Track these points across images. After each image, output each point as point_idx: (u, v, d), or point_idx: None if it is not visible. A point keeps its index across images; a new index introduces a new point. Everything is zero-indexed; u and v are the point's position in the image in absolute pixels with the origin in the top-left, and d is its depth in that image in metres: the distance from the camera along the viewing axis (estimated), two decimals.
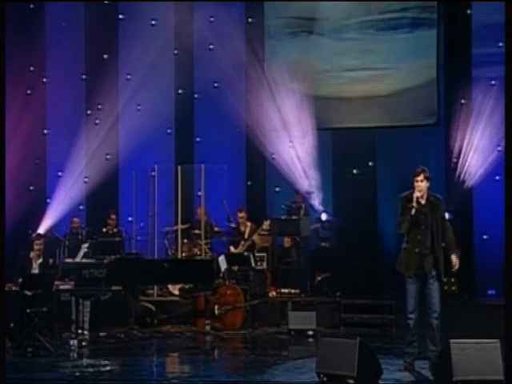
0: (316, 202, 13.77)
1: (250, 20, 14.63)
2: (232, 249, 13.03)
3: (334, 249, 13.49)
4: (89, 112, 14.91)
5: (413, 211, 8.06)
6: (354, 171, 14.01)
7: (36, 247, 11.38)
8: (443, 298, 12.35)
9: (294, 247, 13.20)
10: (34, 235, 11.87)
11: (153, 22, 14.68)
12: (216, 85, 14.50)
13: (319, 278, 13.10)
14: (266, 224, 12.83)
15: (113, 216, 13.69)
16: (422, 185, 8.12)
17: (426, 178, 8.14)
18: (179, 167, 13.43)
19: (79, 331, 10.82)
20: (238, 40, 14.43)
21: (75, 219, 13.75)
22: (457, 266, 8.27)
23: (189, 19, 14.65)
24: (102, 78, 14.56)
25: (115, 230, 13.56)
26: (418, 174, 8.13)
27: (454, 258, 8.26)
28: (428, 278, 8.15)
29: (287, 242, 13.23)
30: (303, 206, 13.44)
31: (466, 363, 7.30)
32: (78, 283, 10.81)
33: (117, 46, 14.98)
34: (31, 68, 14.79)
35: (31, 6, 14.82)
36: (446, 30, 13.88)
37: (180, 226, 13.25)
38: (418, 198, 8.07)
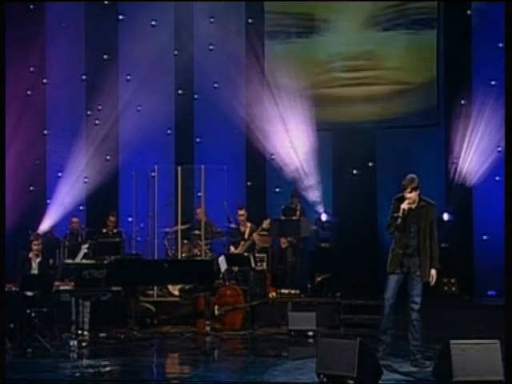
0: (315, 195, 13.82)
1: (249, 20, 14.62)
2: (232, 249, 13.02)
3: (333, 249, 13.49)
4: (89, 112, 14.92)
5: (399, 221, 8.31)
6: (354, 172, 14.00)
7: (34, 247, 11.39)
8: (442, 299, 12.53)
9: (291, 247, 13.21)
10: (32, 235, 11.86)
11: (153, 23, 14.69)
12: (216, 85, 14.51)
13: (319, 279, 13.10)
14: (266, 223, 12.84)
15: (112, 218, 13.69)
16: (409, 196, 8.34)
17: (414, 189, 8.34)
18: (179, 168, 13.42)
19: (79, 332, 10.81)
20: (238, 40, 14.44)
21: (74, 219, 13.78)
22: (433, 282, 8.45)
23: (189, 19, 14.66)
24: (102, 78, 14.58)
25: (115, 230, 13.57)
26: (406, 188, 8.34)
27: (433, 273, 8.43)
28: (412, 277, 8.40)
29: (283, 242, 13.25)
30: (299, 207, 13.45)
31: (465, 364, 7.30)
32: (78, 284, 10.79)
33: (117, 46, 14.99)
34: (31, 68, 14.80)
35: (31, 6, 14.82)
36: (446, 30, 13.88)
37: (180, 227, 13.25)
38: (404, 209, 8.30)
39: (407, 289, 8.45)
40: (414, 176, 8.39)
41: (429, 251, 8.39)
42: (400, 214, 8.31)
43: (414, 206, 8.38)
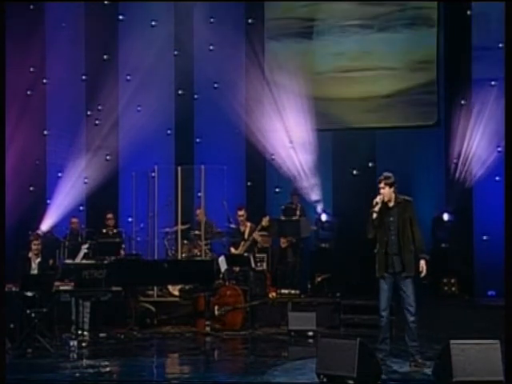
0: (315, 195, 13.81)
1: (249, 21, 14.63)
2: (232, 249, 13.02)
3: (333, 249, 13.49)
4: (89, 113, 14.93)
5: (374, 215, 8.45)
6: (354, 172, 14.01)
7: (34, 247, 11.38)
8: (442, 299, 12.52)
9: (290, 248, 13.21)
10: (32, 235, 11.86)
11: (153, 23, 14.70)
12: (216, 85, 14.51)
13: (319, 279, 13.11)
14: (266, 220, 12.82)
15: (109, 215, 13.67)
16: (383, 191, 8.54)
17: (388, 185, 8.54)
18: (179, 168, 13.42)
19: (79, 332, 10.85)
20: (237, 41, 14.44)
21: (74, 219, 13.78)
22: (424, 272, 8.49)
23: (189, 20, 14.66)
24: (102, 78, 14.58)
25: (115, 230, 13.57)
26: (380, 182, 8.58)
27: (423, 264, 8.49)
28: (400, 278, 8.47)
29: (283, 242, 13.25)
30: (299, 206, 13.46)
31: (466, 364, 7.31)
32: (78, 284, 10.81)
33: (117, 47, 14.99)
34: (31, 69, 14.81)
35: (31, 6, 14.82)
36: (446, 30, 13.88)
37: (180, 227, 13.25)
38: (377, 202, 8.47)
39: (400, 291, 8.51)
40: (390, 174, 8.60)
41: (412, 246, 8.45)
42: (375, 208, 8.41)
43: (390, 205, 8.52)
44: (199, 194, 13.53)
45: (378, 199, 8.47)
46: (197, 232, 13.37)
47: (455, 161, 13.48)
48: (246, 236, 12.96)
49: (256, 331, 11.55)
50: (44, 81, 15.04)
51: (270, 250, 13.21)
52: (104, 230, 13.45)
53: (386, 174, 8.61)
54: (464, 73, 13.64)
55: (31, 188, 14.81)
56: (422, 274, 8.48)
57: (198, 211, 13.52)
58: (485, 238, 13.28)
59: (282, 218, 13.18)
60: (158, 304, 12.51)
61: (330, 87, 14.38)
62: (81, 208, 14.78)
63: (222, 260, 11.81)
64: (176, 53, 14.81)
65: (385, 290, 8.54)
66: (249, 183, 14.63)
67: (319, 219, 13.62)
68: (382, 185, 8.52)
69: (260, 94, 14.42)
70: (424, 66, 13.94)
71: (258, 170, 14.60)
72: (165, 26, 14.69)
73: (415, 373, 8.28)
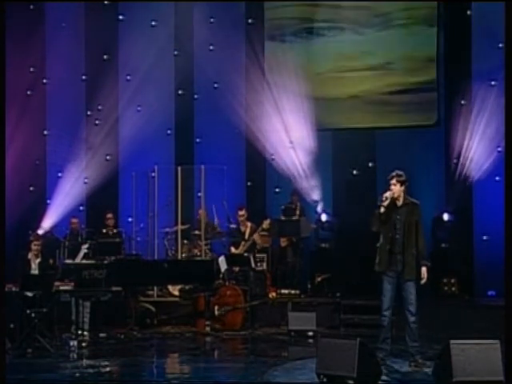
0: (315, 195, 13.81)
1: (250, 21, 14.63)
2: (233, 249, 13.02)
3: (333, 249, 13.49)
4: (89, 113, 14.92)
5: (381, 209, 8.43)
6: (354, 172, 14.01)
7: (34, 247, 11.38)
8: (442, 299, 12.52)
9: (290, 247, 13.22)
10: (32, 235, 11.86)
11: (153, 23, 14.70)
12: (216, 86, 14.51)
13: (319, 279, 13.10)
14: (266, 223, 12.83)
15: (109, 215, 13.67)
16: (394, 188, 8.51)
17: (400, 182, 8.51)
18: (179, 168, 13.43)
19: (79, 332, 10.85)
20: (237, 41, 14.44)
21: (74, 219, 13.78)
22: (425, 279, 8.46)
23: (189, 20, 14.66)
24: (102, 78, 14.58)
25: (115, 230, 13.57)
26: (391, 178, 8.54)
27: (424, 271, 8.47)
28: (402, 278, 8.44)
29: (283, 241, 13.26)
30: (299, 205, 13.46)
31: (466, 364, 7.31)
32: (78, 284, 10.81)
33: (117, 47, 15.00)
34: (31, 69, 14.81)
35: (31, 6, 14.82)
36: (446, 30, 13.88)
37: (180, 227, 13.25)
38: (386, 197, 8.44)
39: (402, 292, 8.49)
40: (401, 172, 8.58)
41: (414, 250, 8.44)
42: (384, 202, 8.40)
43: (399, 204, 8.50)
44: (199, 194, 13.53)
45: (388, 194, 8.45)
46: (197, 232, 13.37)
47: (455, 161, 13.48)
48: (246, 236, 12.97)
49: (256, 331, 11.55)
50: (44, 81, 15.04)
51: (270, 249, 13.21)
52: (104, 230, 13.46)
53: (398, 171, 8.59)
54: (464, 73, 13.64)
55: (31, 188, 14.81)
56: (423, 281, 8.46)
57: (200, 212, 13.51)
58: (485, 237, 13.27)
59: (282, 218, 13.18)
60: (158, 304, 12.51)
61: (330, 87, 14.39)
62: (81, 208, 14.78)
63: (221, 260, 11.81)
64: (176, 53, 14.81)
65: (388, 289, 8.51)
66: (249, 183, 14.63)
67: (319, 219, 13.62)
68: (393, 181, 8.49)
69: (260, 94, 14.43)
70: (424, 65, 13.94)
71: (258, 170, 14.60)
72: (165, 26, 14.70)
73: (415, 373, 8.29)
